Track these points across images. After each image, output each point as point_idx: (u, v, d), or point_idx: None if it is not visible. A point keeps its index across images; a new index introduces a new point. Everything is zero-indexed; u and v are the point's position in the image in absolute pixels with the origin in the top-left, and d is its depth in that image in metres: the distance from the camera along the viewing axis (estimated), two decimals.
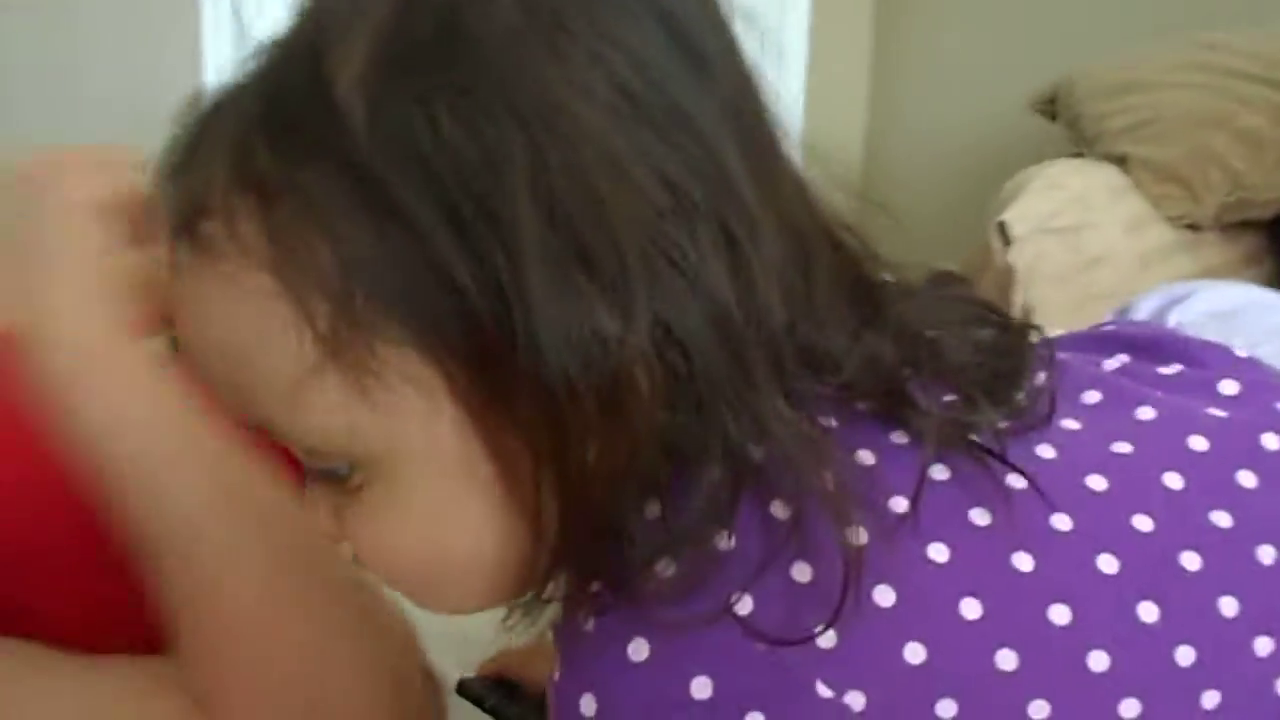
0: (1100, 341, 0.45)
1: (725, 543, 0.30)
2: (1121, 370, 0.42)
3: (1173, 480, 0.34)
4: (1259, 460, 0.36)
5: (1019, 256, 1.13)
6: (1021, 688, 0.30)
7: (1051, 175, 1.18)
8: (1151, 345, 0.43)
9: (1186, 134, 1.27)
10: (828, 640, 0.29)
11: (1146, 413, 0.37)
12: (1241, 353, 0.42)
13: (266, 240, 0.30)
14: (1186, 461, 0.35)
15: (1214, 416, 0.37)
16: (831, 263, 0.34)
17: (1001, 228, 1.13)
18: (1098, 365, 0.42)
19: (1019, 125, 1.70)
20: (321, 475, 0.34)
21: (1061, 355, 0.39)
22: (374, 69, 0.29)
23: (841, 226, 0.36)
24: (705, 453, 0.30)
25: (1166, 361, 0.42)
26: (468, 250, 0.28)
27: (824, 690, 0.29)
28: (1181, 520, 0.33)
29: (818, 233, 0.34)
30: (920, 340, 0.34)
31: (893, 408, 0.33)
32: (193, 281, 0.32)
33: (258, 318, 0.31)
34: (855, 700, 0.29)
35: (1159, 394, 0.38)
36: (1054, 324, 1.21)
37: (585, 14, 0.30)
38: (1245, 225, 1.29)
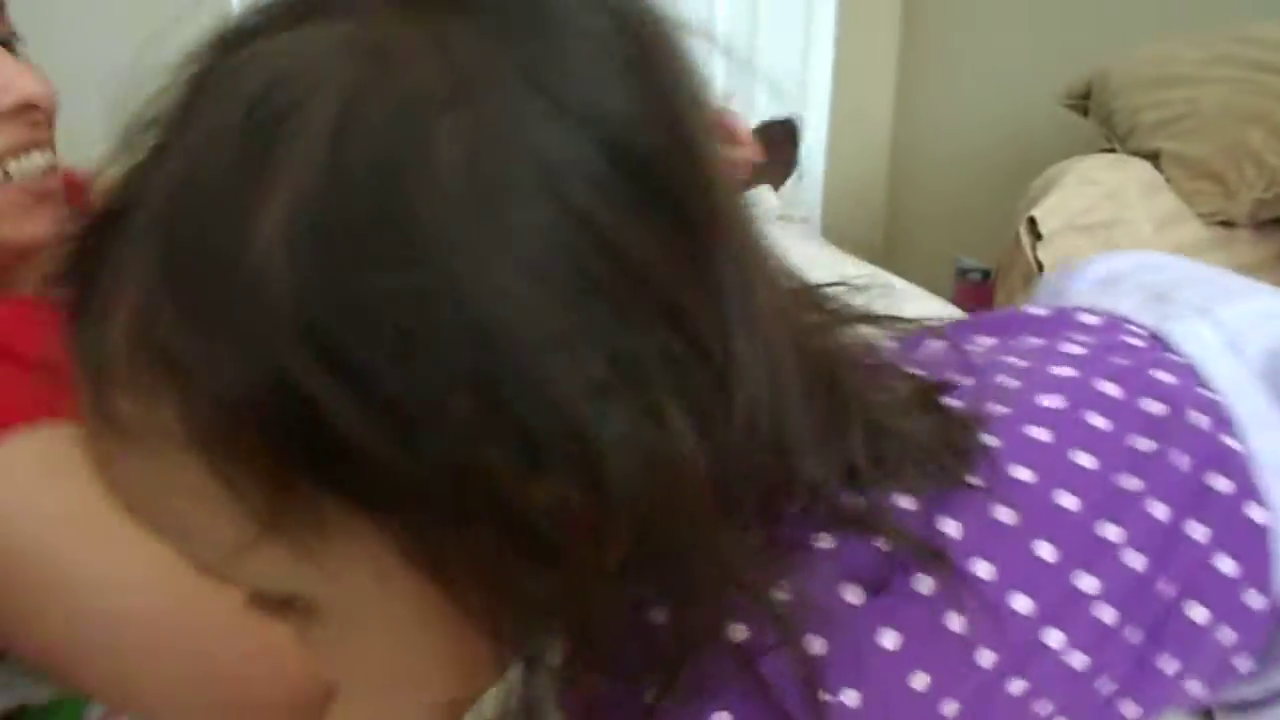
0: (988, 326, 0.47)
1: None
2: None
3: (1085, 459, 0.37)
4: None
5: (1048, 253, 1.12)
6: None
7: (1083, 170, 1.16)
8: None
9: (1221, 129, 1.25)
10: None
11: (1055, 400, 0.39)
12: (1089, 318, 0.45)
13: (184, 426, 0.27)
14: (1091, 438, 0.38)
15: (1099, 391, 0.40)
16: (804, 376, 0.32)
17: (1031, 224, 1.11)
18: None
19: (1049, 121, 1.69)
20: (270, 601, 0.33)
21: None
22: (297, 239, 0.25)
23: (813, 320, 0.36)
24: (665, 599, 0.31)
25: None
26: (401, 438, 0.26)
27: None
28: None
29: (791, 346, 0.32)
30: (886, 440, 0.34)
31: (863, 520, 0.33)
32: (112, 452, 0.29)
33: (187, 498, 0.28)
34: None
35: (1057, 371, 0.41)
36: None
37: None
38: (1279, 222, 1.28)
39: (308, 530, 0.28)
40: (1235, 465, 0.39)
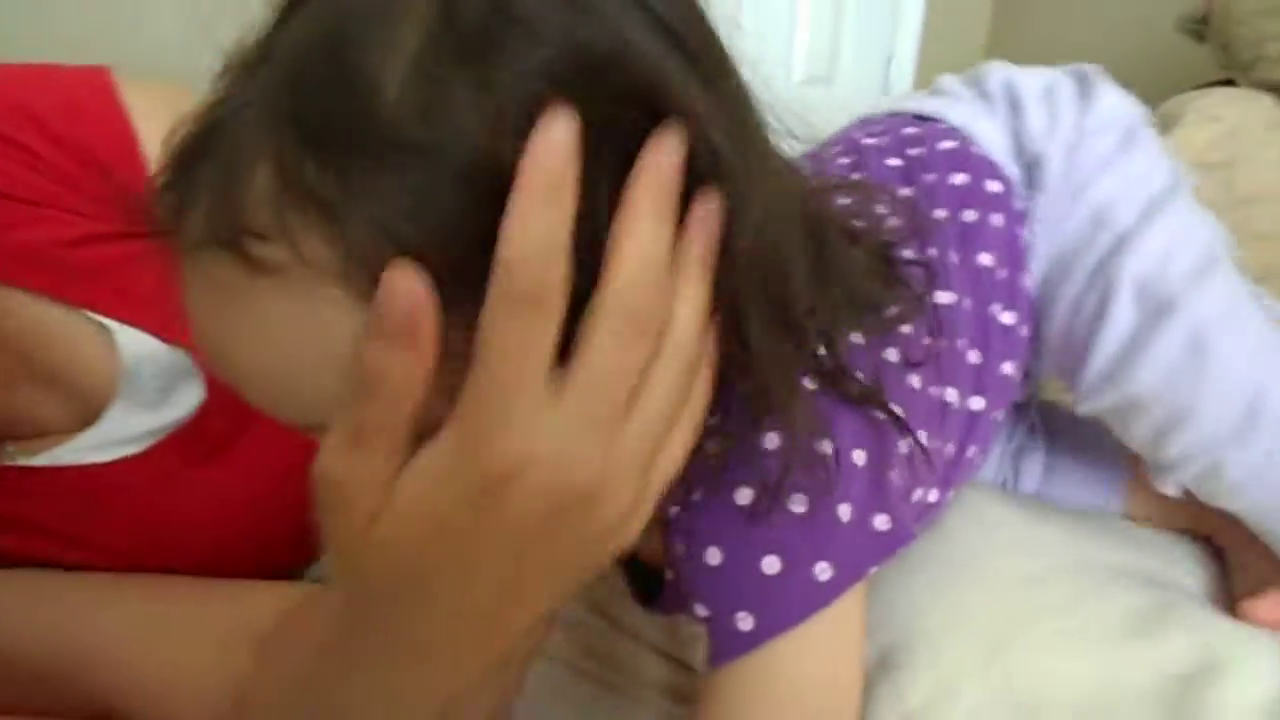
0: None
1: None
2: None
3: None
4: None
5: None
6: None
7: (1204, 107, 1.11)
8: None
9: None
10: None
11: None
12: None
13: (339, 255, 0.29)
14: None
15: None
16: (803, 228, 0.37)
17: None
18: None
19: (1162, 47, 1.61)
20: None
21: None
22: (423, 67, 0.29)
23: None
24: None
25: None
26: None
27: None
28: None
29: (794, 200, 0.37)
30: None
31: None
32: (241, 299, 0.31)
33: (329, 326, 0.31)
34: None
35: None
36: None
37: None
38: None
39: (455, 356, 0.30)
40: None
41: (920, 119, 0.60)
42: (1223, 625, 0.53)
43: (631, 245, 0.30)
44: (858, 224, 0.44)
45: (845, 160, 0.57)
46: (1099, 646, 0.50)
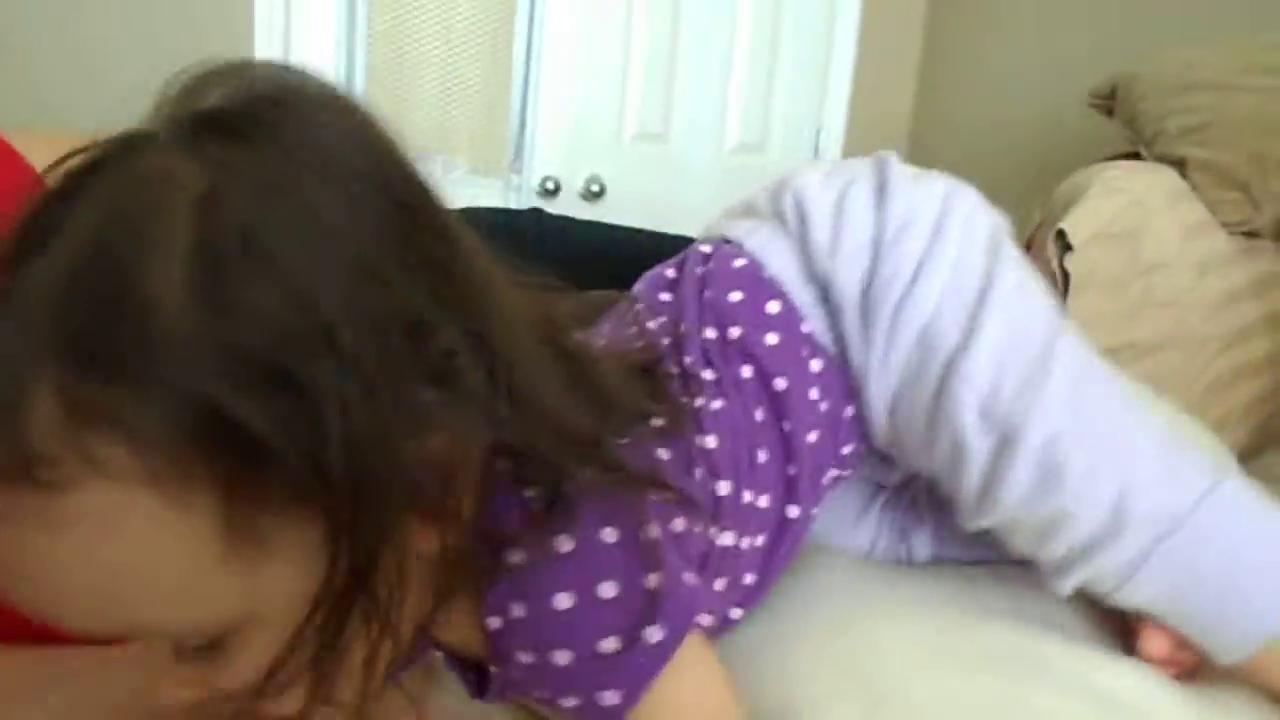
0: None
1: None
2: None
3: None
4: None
5: (1076, 264, 1.12)
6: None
7: (1109, 179, 1.16)
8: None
9: (1248, 139, 1.25)
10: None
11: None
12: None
13: (139, 460, 0.31)
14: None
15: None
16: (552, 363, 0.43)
17: (1060, 235, 1.11)
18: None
19: (1071, 123, 1.68)
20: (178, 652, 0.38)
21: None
22: (194, 288, 0.32)
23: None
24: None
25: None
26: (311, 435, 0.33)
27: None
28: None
29: (537, 343, 0.43)
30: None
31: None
32: (43, 522, 0.32)
33: (143, 543, 0.33)
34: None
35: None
36: (1106, 331, 1.20)
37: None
38: None
39: (249, 542, 0.34)
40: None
41: (724, 240, 0.62)
42: (1096, 667, 0.54)
43: None
44: (609, 344, 0.51)
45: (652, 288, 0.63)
46: (974, 691, 0.51)
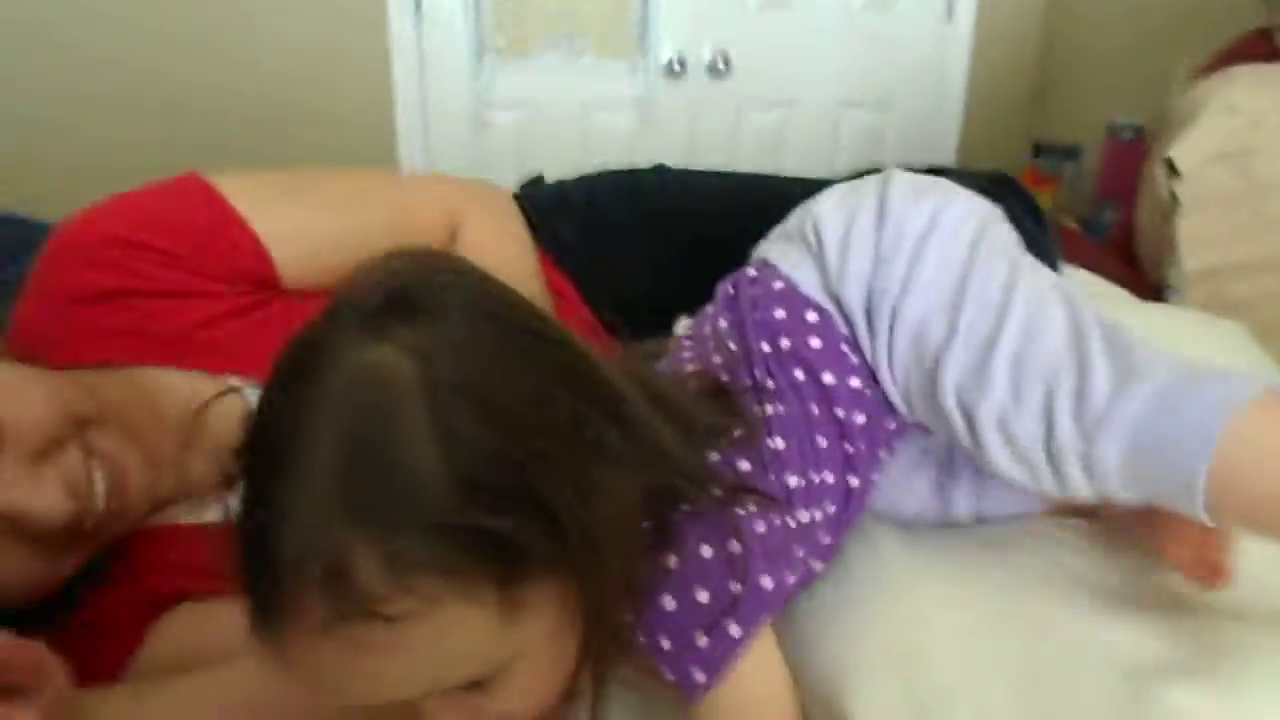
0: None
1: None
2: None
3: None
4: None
5: (1186, 186, 1.14)
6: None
7: (1226, 99, 1.16)
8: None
9: None
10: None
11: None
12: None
13: (446, 581, 0.43)
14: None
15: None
16: (660, 411, 0.55)
17: (1169, 164, 1.13)
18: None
19: None
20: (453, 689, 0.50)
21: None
22: (441, 449, 0.43)
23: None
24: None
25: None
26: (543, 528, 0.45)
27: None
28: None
29: (646, 397, 0.55)
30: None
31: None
32: (388, 644, 0.43)
33: (454, 627, 0.44)
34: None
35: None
36: (1219, 248, 1.23)
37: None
38: None
39: (518, 608, 0.46)
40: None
41: (765, 264, 0.73)
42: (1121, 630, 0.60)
43: None
44: (685, 374, 0.64)
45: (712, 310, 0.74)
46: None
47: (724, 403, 0.62)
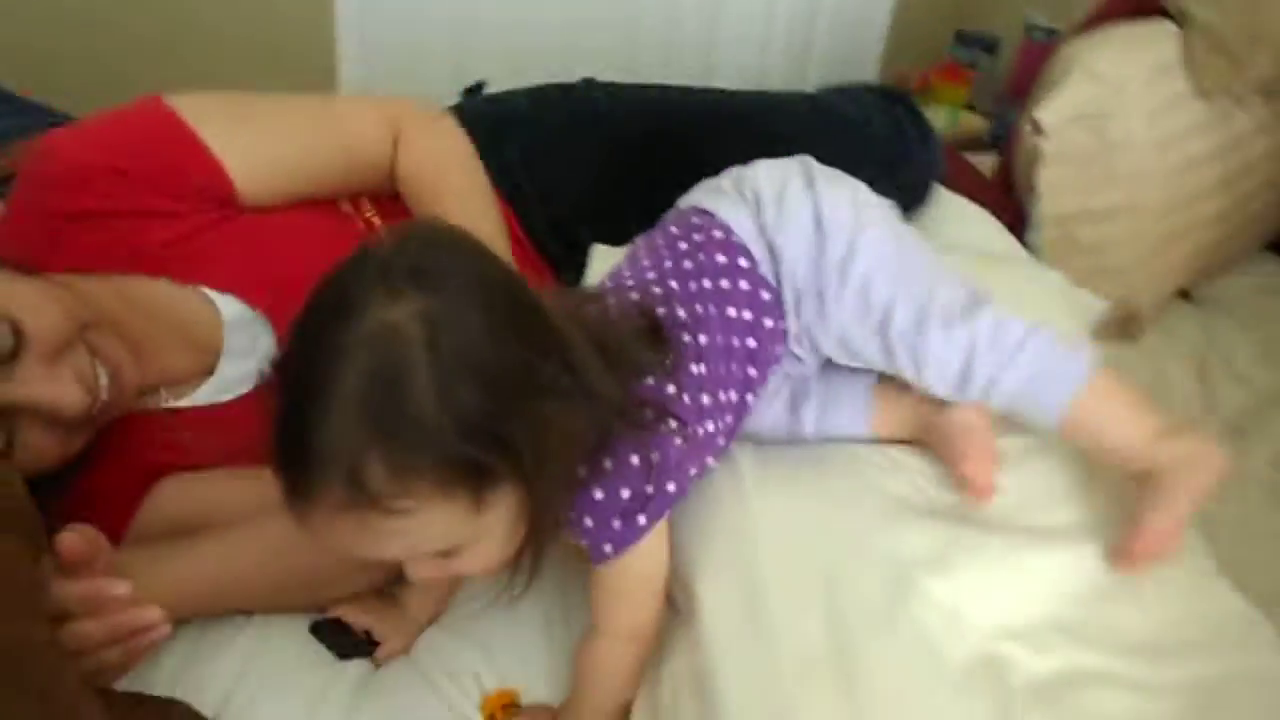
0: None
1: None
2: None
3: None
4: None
5: (1047, 143, 1.30)
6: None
7: (1092, 65, 1.30)
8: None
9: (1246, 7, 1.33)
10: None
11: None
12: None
13: (436, 487, 0.58)
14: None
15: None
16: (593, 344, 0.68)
17: (1035, 122, 1.29)
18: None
19: None
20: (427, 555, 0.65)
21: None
22: (440, 395, 0.56)
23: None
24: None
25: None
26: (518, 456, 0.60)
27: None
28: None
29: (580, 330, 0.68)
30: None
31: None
32: (389, 530, 0.58)
33: (433, 520, 0.59)
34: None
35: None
36: (1073, 197, 1.40)
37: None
38: None
39: (483, 505, 0.60)
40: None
41: (705, 212, 0.88)
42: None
43: None
44: (618, 311, 0.75)
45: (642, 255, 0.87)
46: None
47: (657, 337, 0.76)
